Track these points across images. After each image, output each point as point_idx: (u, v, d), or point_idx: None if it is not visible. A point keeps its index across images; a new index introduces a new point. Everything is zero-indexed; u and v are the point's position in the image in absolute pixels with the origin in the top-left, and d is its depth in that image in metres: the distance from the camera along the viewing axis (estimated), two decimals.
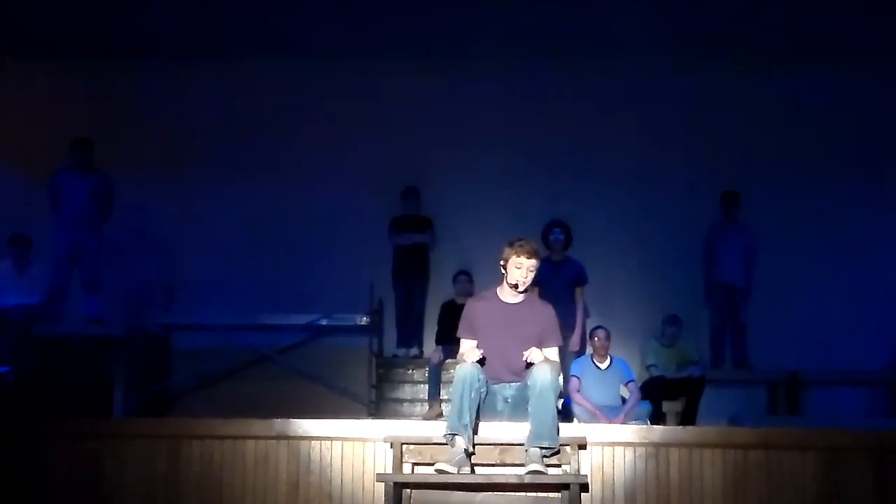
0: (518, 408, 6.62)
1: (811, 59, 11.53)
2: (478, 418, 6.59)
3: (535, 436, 6.44)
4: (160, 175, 11.55)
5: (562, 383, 9.46)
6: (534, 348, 6.55)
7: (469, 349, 6.63)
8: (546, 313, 6.88)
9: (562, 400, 9.05)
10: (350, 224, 11.41)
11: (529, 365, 6.52)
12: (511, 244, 6.72)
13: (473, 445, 6.49)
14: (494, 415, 6.78)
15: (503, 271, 6.79)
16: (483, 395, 6.57)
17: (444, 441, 6.48)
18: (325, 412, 8.20)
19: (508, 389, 6.73)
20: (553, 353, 6.80)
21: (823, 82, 11.61)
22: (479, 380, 6.48)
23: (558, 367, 6.82)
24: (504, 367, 6.69)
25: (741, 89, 11.65)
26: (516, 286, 6.73)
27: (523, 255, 6.67)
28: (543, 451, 6.42)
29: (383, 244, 11.02)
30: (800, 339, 10.98)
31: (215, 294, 11.07)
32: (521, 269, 6.69)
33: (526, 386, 6.54)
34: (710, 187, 11.21)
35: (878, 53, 11.50)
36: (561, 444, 6.60)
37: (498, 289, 6.88)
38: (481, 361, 6.59)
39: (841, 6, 11.08)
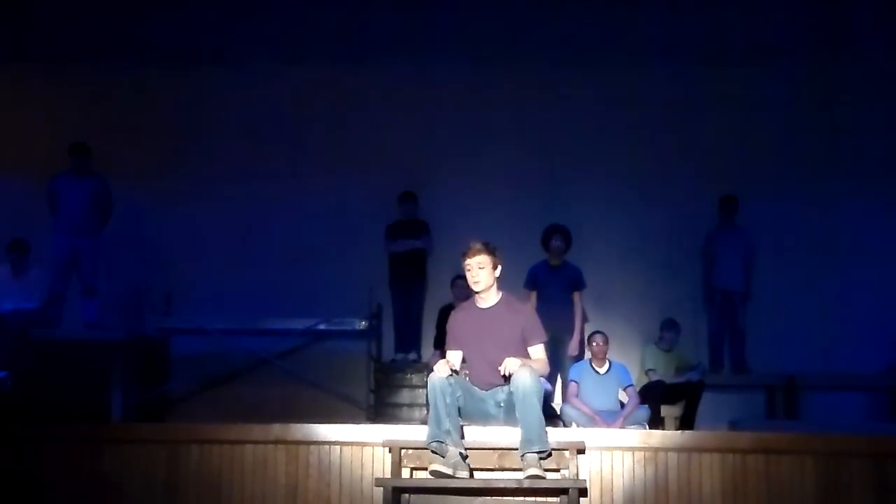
0: (512, 411, 6.63)
1: (810, 62, 11.54)
2: (460, 419, 6.60)
3: (525, 441, 6.46)
4: (158, 179, 11.54)
5: (560, 383, 9.56)
6: (508, 359, 6.56)
7: (439, 363, 6.66)
8: (523, 312, 6.97)
9: (560, 405, 9.13)
10: (349, 228, 11.41)
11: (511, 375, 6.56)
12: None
13: (465, 448, 6.50)
14: (489, 419, 6.81)
15: None
16: (459, 399, 6.58)
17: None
18: (323, 416, 8.20)
19: (501, 393, 6.74)
20: (539, 350, 6.83)
21: (822, 86, 11.63)
22: (450, 385, 6.52)
23: (544, 364, 6.83)
24: (492, 372, 6.71)
25: (740, 93, 11.66)
26: (477, 290, 6.83)
27: (467, 257, 6.82)
28: (538, 455, 6.43)
29: (382, 248, 11.02)
30: (798, 343, 10.97)
31: (214, 298, 11.07)
32: (470, 270, 6.83)
33: None
34: (709, 192, 11.22)
35: (878, 56, 11.51)
36: (560, 449, 6.61)
37: (474, 297, 6.95)
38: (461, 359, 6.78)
39: (839, 9, 11.08)
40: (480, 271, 6.79)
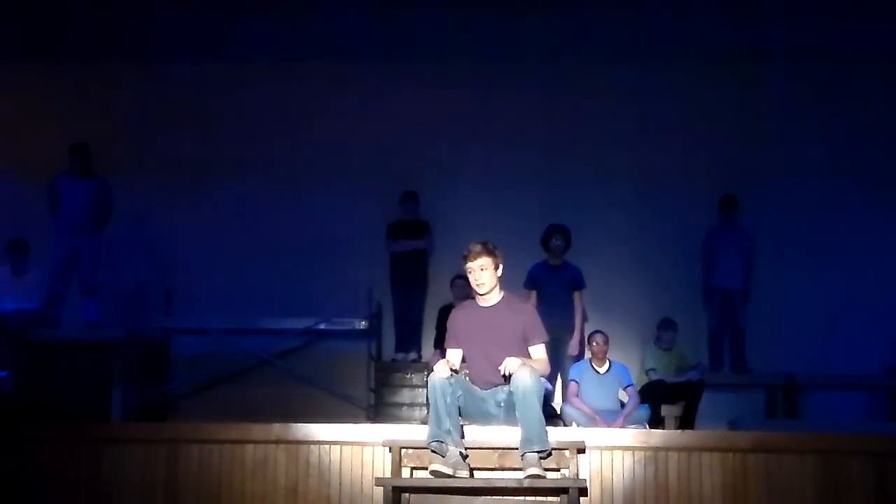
0: (512, 411, 6.62)
1: (810, 62, 11.54)
2: (461, 419, 6.60)
3: (525, 441, 6.46)
4: (159, 179, 11.55)
5: (560, 383, 9.56)
6: (508, 359, 6.56)
7: (440, 363, 6.66)
8: (524, 311, 6.96)
9: (560, 404, 9.13)
10: (349, 228, 11.41)
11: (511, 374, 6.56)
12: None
13: (465, 448, 6.51)
14: (489, 419, 6.80)
15: None
16: (459, 399, 6.58)
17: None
18: (323, 416, 8.20)
19: (501, 393, 6.73)
20: (540, 349, 6.83)
21: (822, 86, 11.63)
22: (451, 385, 6.52)
23: (544, 364, 6.84)
24: (493, 371, 6.70)
25: (740, 93, 11.66)
26: (482, 292, 6.83)
27: (468, 261, 6.81)
28: (538, 454, 6.43)
29: (382, 248, 11.03)
30: (798, 342, 10.98)
31: (214, 298, 11.07)
32: (472, 273, 6.82)
33: None
34: (709, 191, 11.22)
35: (878, 57, 11.50)
36: (560, 449, 6.61)
37: (476, 296, 6.93)
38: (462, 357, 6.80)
39: (838, 9, 11.08)
40: (483, 273, 6.79)
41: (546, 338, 6.93)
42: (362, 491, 6.75)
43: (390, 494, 6.40)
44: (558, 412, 8.93)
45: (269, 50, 11.66)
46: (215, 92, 11.74)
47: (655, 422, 9.19)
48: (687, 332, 10.49)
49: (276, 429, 6.93)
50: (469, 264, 6.80)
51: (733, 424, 9.50)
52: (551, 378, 8.90)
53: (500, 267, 6.86)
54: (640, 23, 11.28)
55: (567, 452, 6.62)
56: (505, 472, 6.62)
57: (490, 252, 6.79)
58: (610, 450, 6.82)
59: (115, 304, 10.87)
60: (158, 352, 10.88)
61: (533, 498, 6.53)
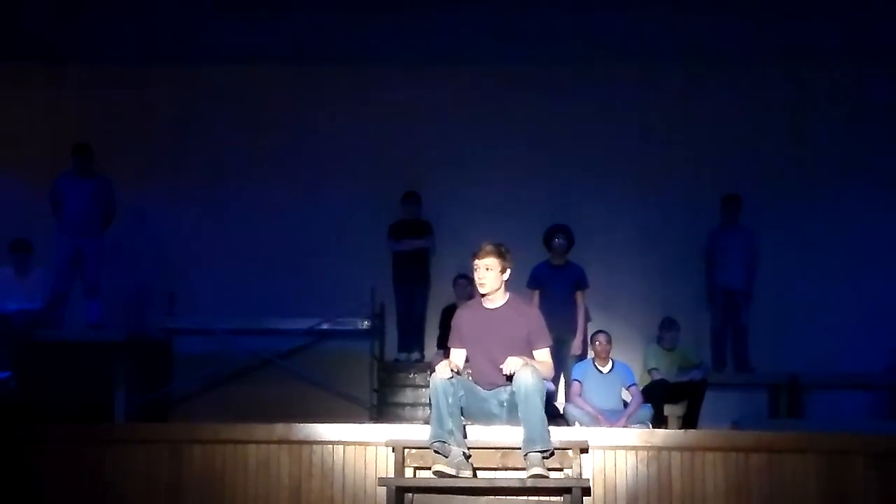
0: (514, 411, 6.62)
1: (811, 61, 11.54)
2: (463, 419, 6.60)
3: (528, 440, 6.46)
4: (161, 180, 11.56)
5: (562, 384, 9.56)
6: (510, 358, 6.56)
7: (441, 363, 6.66)
8: (529, 315, 6.96)
9: (563, 404, 9.13)
10: (352, 228, 11.42)
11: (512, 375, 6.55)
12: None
13: (468, 448, 6.51)
14: (492, 419, 6.81)
15: None
16: (462, 399, 6.58)
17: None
18: (326, 416, 8.19)
19: (503, 393, 6.74)
20: (544, 353, 6.84)
21: (824, 86, 11.63)
22: (453, 385, 6.53)
23: (549, 366, 6.85)
24: (496, 372, 6.70)
25: (742, 93, 11.67)
26: (483, 292, 6.83)
27: (476, 257, 6.82)
28: (541, 454, 6.43)
29: (385, 248, 11.03)
30: (801, 342, 10.98)
31: (217, 298, 11.08)
32: (477, 270, 6.83)
33: None
34: (712, 191, 11.23)
35: (880, 56, 11.50)
36: (563, 448, 6.61)
37: (481, 297, 6.93)
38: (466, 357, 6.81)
39: (840, 9, 11.07)
40: (487, 273, 6.78)
41: (550, 342, 6.93)
42: (365, 491, 6.75)
43: (393, 494, 6.41)
44: (561, 412, 8.93)
45: (270, 51, 11.66)
46: (216, 92, 11.75)
47: (658, 421, 9.19)
48: (690, 331, 10.50)
49: (279, 429, 6.94)
50: (476, 261, 6.80)
51: (736, 424, 9.49)
52: (554, 378, 8.90)
53: (508, 271, 6.84)
54: (643, 23, 11.25)
55: (570, 452, 6.63)
56: (508, 471, 6.62)
57: (500, 254, 6.79)
58: (613, 449, 6.82)
59: (117, 305, 10.88)
60: (161, 352, 10.84)
61: (536, 498, 6.53)
